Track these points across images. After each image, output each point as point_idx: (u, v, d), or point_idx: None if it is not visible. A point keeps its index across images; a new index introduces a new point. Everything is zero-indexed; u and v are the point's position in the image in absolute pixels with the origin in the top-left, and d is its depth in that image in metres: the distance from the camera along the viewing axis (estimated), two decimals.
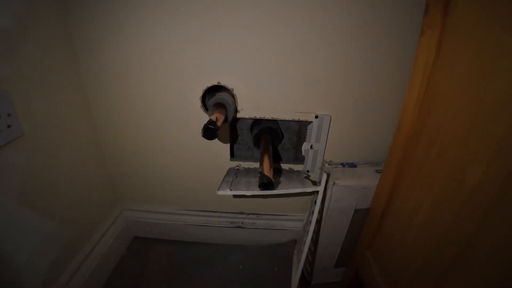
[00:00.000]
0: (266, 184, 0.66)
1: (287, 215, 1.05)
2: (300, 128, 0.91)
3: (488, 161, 0.44)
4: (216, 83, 0.79)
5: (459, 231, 0.51)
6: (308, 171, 0.91)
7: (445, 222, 0.54)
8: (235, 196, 0.94)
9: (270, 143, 0.83)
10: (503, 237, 0.42)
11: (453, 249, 0.52)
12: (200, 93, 0.80)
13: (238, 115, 0.82)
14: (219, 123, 0.64)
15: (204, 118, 0.82)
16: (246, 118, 0.85)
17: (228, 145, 0.89)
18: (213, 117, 0.65)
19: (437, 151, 0.56)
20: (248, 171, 0.91)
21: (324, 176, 0.73)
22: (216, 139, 0.86)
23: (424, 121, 0.60)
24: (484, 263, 0.45)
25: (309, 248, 0.86)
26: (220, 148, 0.90)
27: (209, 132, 0.62)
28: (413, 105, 0.62)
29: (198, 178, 0.97)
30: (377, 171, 0.79)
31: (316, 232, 0.84)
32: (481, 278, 0.46)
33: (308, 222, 0.81)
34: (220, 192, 0.72)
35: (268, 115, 0.83)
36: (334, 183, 0.74)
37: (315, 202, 0.77)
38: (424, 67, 0.60)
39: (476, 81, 0.48)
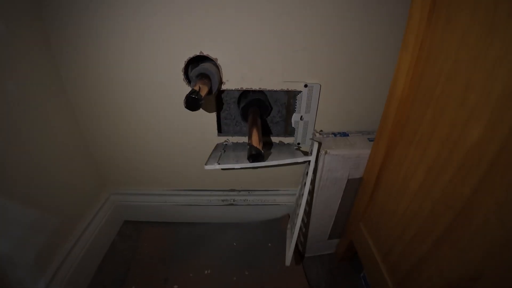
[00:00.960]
0: (255, 155, 0.63)
1: (279, 190, 1.03)
2: (289, 100, 0.87)
3: (487, 118, 0.42)
4: (198, 53, 0.74)
5: (455, 194, 0.49)
6: (299, 144, 0.88)
7: (441, 186, 0.52)
8: (224, 169, 0.91)
9: (259, 116, 0.80)
10: (503, 196, 0.40)
11: (449, 213, 0.51)
12: (182, 65, 0.75)
13: (224, 87, 0.78)
14: (202, 93, 0.60)
15: (188, 91, 0.78)
16: (232, 90, 0.81)
17: (215, 120, 0.85)
18: (196, 87, 0.61)
19: (432, 112, 0.53)
20: (236, 145, 0.88)
21: (316, 145, 0.71)
22: (202, 113, 0.82)
23: (418, 82, 0.57)
24: (481, 225, 0.44)
25: (302, 220, 0.85)
26: (206, 124, 0.86)
27: (192, 102, 0.58)
28: (407, 67, 0.59)
29: (185, 157, 0.94)
30: (370, 140, 0.77)
31: (309, 204, 0.83)
32: (479, 242, 0.45)
33: (301, 195, 0.80)
34: (208, 167, 0.69)
35: (255, 86, 0.79)
36: (326, 152, 0.72)
37: (307, 173, 0.74)
38: (418, 26, 0.56)
39: (472, 37, 0.44)
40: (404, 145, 0.62)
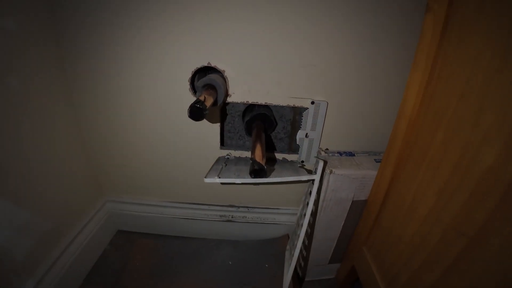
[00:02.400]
0: (258, 171, 0.61)
1: (279, 208, 1.00)
2: (295, 116, 0.86)
3: (503, 141, 0.40)
4: (206, 64, 0.73)
5: (468, 220, 0.46)
6: (302, 161, 0.86)
7: (452, 211, 0.49)
8: (224, 184, 0.89)
9: (263, 131, 0.78)
10: None
11: (461, 240, 0.48)
12: (189, 75, 0.75)
13: (229, 99, 0.77)
14: (207, 104, 0.59)
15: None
16: (238, 103, 0.79)
17: (218, 132, 0.84)
18: (201, 97, 0.60)
19: (443, 133, 0.51)
20: (239, 160, 0.86)
21: (321, 164, 0.68)
22: (205, 125, 0.81)
23: (428, 102, 0.56)
24: (496, 255, 0.41)
25: (303, 243, 0.81)
26: (209, 136, 0.84)
27: (196, 111, 0.56)
28: (417, 87, 0.58)
29: (186, 169, 0.92)
30: (376, 161, 0.75)
31: (311, 225, 0.80)
32: (493, 272, 0.42)
33: (302, 215, 0.77)
34: (208, 180, 0.67)
35: (261, 100, 0.78)
36: (331, 172, 0.69)
37: (310, 193, 0.72)
38: (429, 47, 0.56)
39: (486, 57, 0.43)
40: (412, 166, 0.60)
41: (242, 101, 0.78)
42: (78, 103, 0.80)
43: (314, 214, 0.77)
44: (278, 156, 0.89)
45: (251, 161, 0.63)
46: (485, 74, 0.44)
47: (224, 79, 0.74)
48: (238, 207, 1.00)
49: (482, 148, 0.43)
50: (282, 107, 0.82)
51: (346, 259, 0.87)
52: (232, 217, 1.01)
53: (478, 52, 0.45)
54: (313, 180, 0.70)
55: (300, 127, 0.81)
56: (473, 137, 0.45)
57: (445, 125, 0.51)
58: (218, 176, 0.68)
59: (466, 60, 0.48)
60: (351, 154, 0.79)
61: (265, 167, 0.61)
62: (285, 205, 0.99)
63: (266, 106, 0.83)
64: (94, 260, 0.93)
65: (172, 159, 0.90)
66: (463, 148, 0.47)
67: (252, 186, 0.94)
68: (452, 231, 0.50)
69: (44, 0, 0.66)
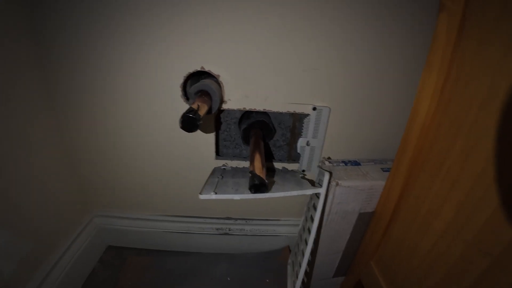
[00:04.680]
0: (258, 186, 0.55)
1: (279, 220, 0.95)
2: (295, 123, 0.81)
3: None
4: (199, 69, 0.68)
5: (493, 238, 0.42)
6: (303, 171, 0.81)
7: (474, 227, 0.45)
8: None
9: (261, 139, 0.73)
10: None
11: (484, 260, 0.43)
12: (181, 80, 0.69)
13: (225, 106, 0.72)
14: (201, 113, 0.54)
15: (185, 109, 0.71)
16: (234, 110, 0.74)
17: (213, 141, 0.78)
18: (194, 105, 0.54)
19: (463, 142, 0.47)
20: (236, 170, 0.80)
21: (326, 176, 0.63)
22: (199, 133, 0.76)
23: (445, 108, 0.51)
24: None
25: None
26: (203, 145, 0.79)
27: (189, 122, 0.51)
28: (431, 90, 0.53)
29: (179, 180, 0.86)
30: (384, 170, 0.70)
31: (315, 239, 0.74)
32: None
33: (305, 228, 0.71)
34: (203, 196, 0.61)
35: (259, 107, 0.72)
36: (337, 184, 0.64)
37: (314, 207, 0.67)
38: (444, 48, 0.51)
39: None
40: (427, 177, 0.55)
41: (239, 107, 0.72)
42: (61, 110, 0.74)
43: (318, 227, 0.72)
44: (277, 165, 0.83)
45: (250, 175, 0.57)
46: (510, 80, 0.39)
47: (219, 84, 0.69)
48: (236, 219, 0.94)
49: (509, 159, 0.39)
50: (281, 113, 0.77)
51: (352, 273, 0.82)
52: (229, 230, 0.96)
53: (503, 55, 0.40)
54: (318, 194, 0.65)
55: (301, 135, 0.76)
56: (499, 147, 0.41)
57: (465, 133, 0.47)
58: (214, 191, 0.62)
59: (489, 64, 0.43)
60: (356, 163, 0.74)
61: (266, 181, 0.56)
62: (285, 216, 0.94)
63: (264, 113, 0.78)
64: (83, 280, 0.87)
65: (164, 170, 0.84)
66: (487, 159, 0.43)
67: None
68: (474, 249, 0.46)
69: None
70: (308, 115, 0.73)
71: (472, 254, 0.46)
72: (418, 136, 0.57)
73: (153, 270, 0.93)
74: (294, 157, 0.84)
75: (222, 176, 0.73)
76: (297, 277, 0.70)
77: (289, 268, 0.86)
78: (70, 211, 0.84)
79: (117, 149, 0.80)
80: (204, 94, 0.62)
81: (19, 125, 0.64)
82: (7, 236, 0.62)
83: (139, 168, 0.84)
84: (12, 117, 0.62)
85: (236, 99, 0.71)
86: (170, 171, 0.84)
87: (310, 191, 0.63)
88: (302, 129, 0.76)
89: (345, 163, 0.74)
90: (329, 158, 0.78)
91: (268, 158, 0.85)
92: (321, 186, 0.64)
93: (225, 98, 0.71)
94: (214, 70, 0.68)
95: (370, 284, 0.74)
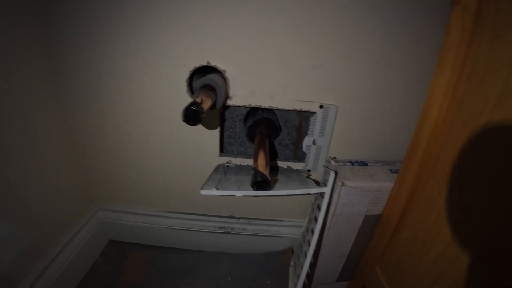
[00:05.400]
0: (261, 183, 0.54)
1: (282, 220, 0.93)
2: (301, 121, 0.79)
3: None
4: (205, 63, 0.67)
5: (506, 244, 0.40)
6: (309, 170, 0.79)
7: (490, 231, 0.43)
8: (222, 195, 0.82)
9: (267, 137, 0.72)
10: None
11: (499, 266, 0.41)
12: (187, 75, 0.68)
13: (230, 102, 0.70)
14: (204, 106, 0.52)
15: None
16: (239, 106, 0.73)
17: (218, 138, 0.77)
18: (198, 99, 0.53)
19: (479, 143, 0.44)
20: (240, 168, 0.79)
21: (332, 175, 0.61)
22: (204, 130, 0.75)
23: (457, 108, 0.49)
24: None
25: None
26: (207, 142, 0.78)
27: (191, 114, 0.50)
28: (443, 89, 0.51)
29: (183, 176, 0.85)
30: (392, 171, 0.68)
31: (318, 241, 0.72)
32: None
33: (309, 230, 0.70)
34: (204, 192, 0.60)
35: (265, 104, 0.71)
36: (342, 184, 0.62)
37: (319, 207, 0.65)
38: (457, 44, 0.49)
39: None
40: (437, 180, 0.53)
41: (244, 104, 0.71)
42: (68, 105, 0.74)
43: (322, 228, 0.70)
44: (282, 164, 0.82)
45: (253, 172, 0.56)
46: None
47: (224, 79, 0.67)
48: (239, 218, 0.93)
49: None
50: (288, 111, 0.75)
51: (356, 278, 0.80)
52: (232, 229, 0.94)
53: None
54: (322, 193, 0.63)
55: (307, 133, 0.74)
56: None
57: (479, 134, 0.44)
58: (216, 187, 0.61)
59: (504, 58, 0.41)
60: (363, 163, 0.72)
61: (269, 178, 0.54)
62: (289, 216, 0.92)
63: (270, 110, 0.76)
64: (83, 273, 0.86)
65: (168, 166, 0.83)
66: (506, 159, 0.40)
67: (254, 196, 0.87)
68: (484, 257, 0.44)
69: None
70: (315, 113, 0.71)
71: (485, 262, 0.44)
72: (429, 137, 0.54)
73: (154, 266, 0.92)
74: (300, 156, 0.82)
75: (225, 173, 0.72)
76: (298, 279, 0.68)
77: (291, 270, 0.84)
78: (74, 203, 0.84)
79: (122, 145, 0.80)
80: (209, 88, 0.61)
81: (28, 121, 0.64)
82: (12, 226, 0.62)
83: (144, 164, 0.84)
84: (21, 114, 0.62)
85: (242, 95, 0.70)
86: (174, 167, 0.83)
87: (314, 190, 0.62)
88: (309, 127, 0.74)
89: (352, 163, 0.72)
90: (335, 157, 0.76)
91: (273, 157, 0.83)
92: (326, 185, 0.62)
93: (231, 94, 0.70)
94: (220, 65, 0.67)
95: None
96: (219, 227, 0.94)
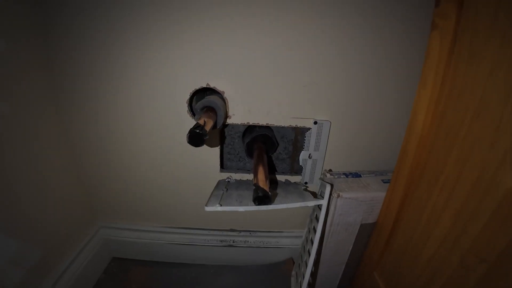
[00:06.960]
0: (262, 198, 0.57)
1: (282, 232, 0.96)
2: (297, 136, 0.83)
3: None
4: (205, 85, 0.71)
5: (489, 244, 0.44)
6: (306, 183, 0.83)
7: (471, 234, 0.47)
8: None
9: (264, 152, 0.75)
10: None
11: (481, 266, 0.45)
12: (187, 96, 0.72)
13: (229, 121, 0.75)
14: (207, 128, 0.56)
15: (191, 124, 0.74)
16: (238, 124, 0.77)
17: (218, 154, 0.81)
18: (201, 121, 0.57)
19: (458, 153, 0.49)
20: (240, 183, 0.82)
21: (328, 188, 0.65)
22: (204, 147, 0.78)
23: (440, 120, 0.54)
24: None
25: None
26: (208, 158, 0.81)
27: (196, 137, 0.53)
28: (426, 104, 0.56)
29: (184, 192, 0.88)
30: (384, 181, 0.72)
31: (317, 250, 0.75)
32: None
33: (308, 240, 0.73)
34: (209, 209, 0.63)
35: (262, 121, 0.75)
36: (338, 195, 0.66)
37: (317, 218, 0.68)
38: (436, 64, 0.54)
39: (502, 72, 0.41)
40: (425, 187, 0.57)
41: (242, 122, 0.75)
42: (68, 122, 0.77)
43: (320, 239, 0.73)
44: (280, 177, 0.85)
45: (254, 187, 0.59)
46: (501, 90, 0.42)
47: (223, 100, 0.72)
48: (240, 231, 0.96)
49: (501, 169, 0.41)
50: (284, 127, 0.80)
51: (356, 285, 0.83)
52: (233, 242, 0.97)
53: (493, 66, 0.43)
54: (320, 205, 0.67)
55: (303, 148, 0.78)
56: (491, 158, 0.43)
57: (459, 144, 0.49)
58: (219, 203, 0.64)
59: (479, 76, 0.46)
60: (357, 175, 0.76)
61: (270, 193, 0.58)
62: (289, 228, 0.95)
63: (267, 127, 0.80)
64: None
65: (170, 182, 0.86)
66: (481, 168, 0.45)
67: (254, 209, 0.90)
68: (471, 256, 0.47)
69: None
70: (309, 129, 0.76)
71: (470, 261, 0.47)
72: (416, 148, 0.59)
73: (157, 281, 0.93)
74: (297, 170, 0.86)
75: (227, 189, 0.76)
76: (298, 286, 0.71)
77: (293, 280, 0.87)
78: (77, 222, 0.86)
79: (123, 162, 0.83)
80: (209, 110, 0.65)
81: (28, 138, 0.66)
82: (16, 245, 0.64)
83: (145, 180, 0.86)
84: (20, 130, 0.64)
85: (240, 113, 0.74)
86: (176, 183, 0.86)
87: (312, 203, 0.65)
88: (304, 142, 0.78)
89: (346, 175, 0.76)
90: (330, 170, 0.80)
91: (271, 170, 0.87)
92: (323, 197, 0.66)
93: (230, 113, 0.74)
94: (219, 87, 0.71)
95: None
96: (221, 241, 0.97)
